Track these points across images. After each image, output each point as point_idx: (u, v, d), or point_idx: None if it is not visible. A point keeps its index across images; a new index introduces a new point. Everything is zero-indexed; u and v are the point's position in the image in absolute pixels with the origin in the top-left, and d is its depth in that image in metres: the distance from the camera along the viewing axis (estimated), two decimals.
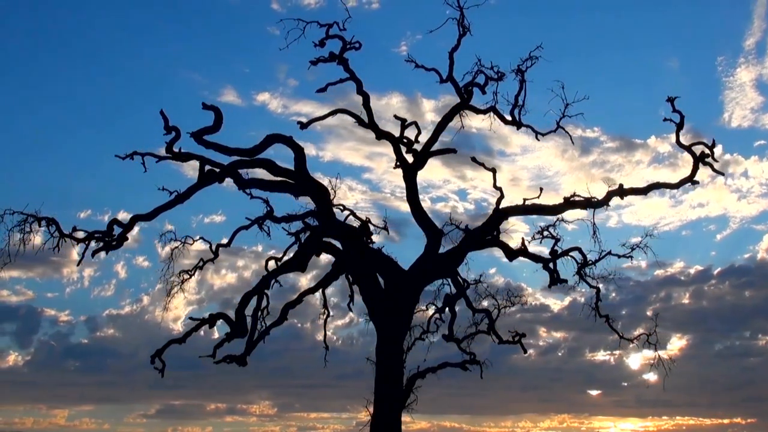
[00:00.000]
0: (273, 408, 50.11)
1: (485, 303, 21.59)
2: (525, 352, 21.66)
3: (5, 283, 51.70)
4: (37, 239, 17.90)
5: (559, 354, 44.34)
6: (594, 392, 44.65)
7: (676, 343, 46.28)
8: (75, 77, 55.90)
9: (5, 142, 56.73)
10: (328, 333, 22.70)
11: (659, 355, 21.03)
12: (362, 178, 47.65)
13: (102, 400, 52.46)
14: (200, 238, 20.78)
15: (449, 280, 21.28)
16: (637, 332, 21.32)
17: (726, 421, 46.32)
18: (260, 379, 45.49)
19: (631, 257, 20.79)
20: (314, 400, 49.00)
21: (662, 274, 46.95)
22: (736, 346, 49.12)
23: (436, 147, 20.60)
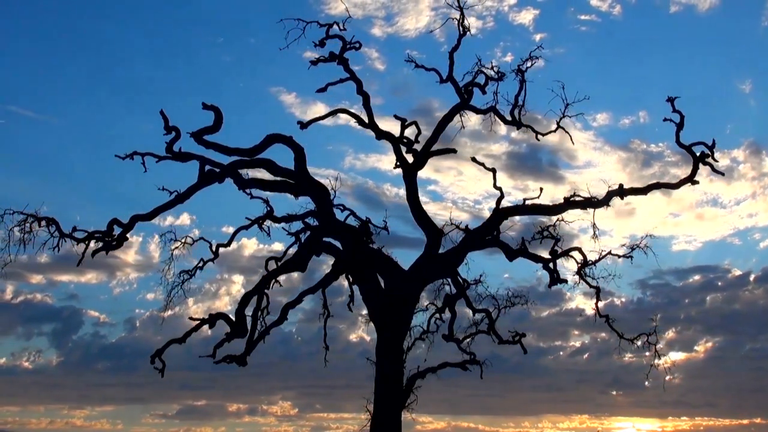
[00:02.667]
0: (294, 408, 50.16)
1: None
2: (525, 352, 21.63)
3: (54, 287, 51.79)
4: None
5: (585, 356, 44.75)
6: (616, 393, 45.01)
7: (704, 346, 47.07)
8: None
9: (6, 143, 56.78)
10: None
11: (659, 356, 20.98)
12: (427, 190, 48.31)
13: (126, 400, 52.97)
14: (200, 238, 20.84)
15: (449, 280, 21.29)
16: (640, 334, 21.24)
17: (745, 421, 46.50)
18: (288, 379, 46.45)
19: (631, 257, 20.79)
20: (337, 401, 49.10)
21: (699, 279, 48.21)
22: (764, 349, 49.44)
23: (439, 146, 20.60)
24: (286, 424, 49.58)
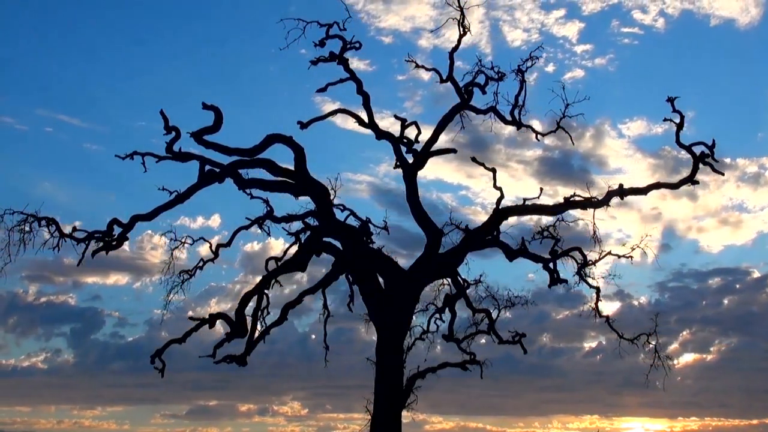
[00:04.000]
0: (304, 409, 49.96)
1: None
2: (525, 352, 21.64)
3: (78, 288, 51.77)
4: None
5: (598, 357, 44.98)
6: (627, 393, 45.03)
7: (718, 347, 47.25)
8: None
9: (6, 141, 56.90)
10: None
11: (659, 355, 20.94)
12: (458, 195, 49.00)
13: (138, 400, 52.72)
14: (200, 238, 20.85)
15: (449, 280, 21.29)
16: (640, 334, 21.23)
17: (755, 421, 46.50)
18: (301, 380, 46.40)
19: (631, 257, 20.78)
20: (349, 401, 49.01)
21: (719, 282, 48.99)
22: None
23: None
24: (295, 424, 49.50)
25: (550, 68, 45.07)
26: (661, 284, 47.39)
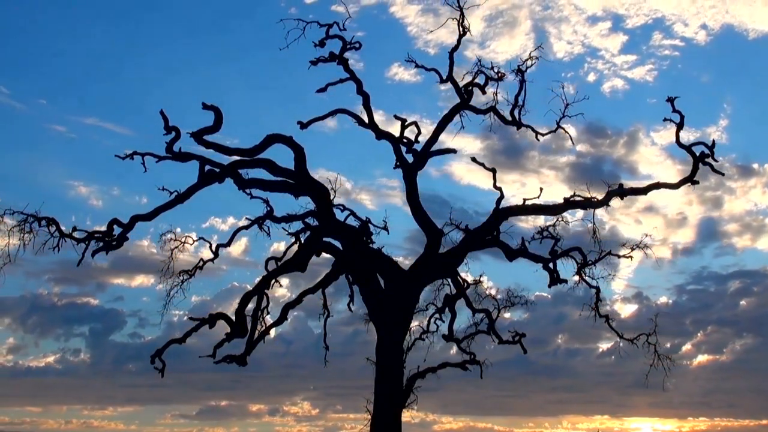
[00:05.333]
0: (315, 409, 49.73)
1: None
2: (525, 352, 21.66)
3: (102, 290, 51.52)
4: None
5: (612, 358, 45.00)
6: (638, 394, 45.10)
7: (732, 348, 47.50)
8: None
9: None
10: None
11: (659, 355, 20.96)
12: (490, 201, 48.59)
13: (151, 400, 52.50)
14: (200, 238, 20.85)
15: (449, 280, 21.30)
16: (640, 334, 21.26)
17: (765, 421, 46.50)
18: (313, 380, 46.43)
19: (631, 257, 20.82)
20: (360, 401, 48.98)
21: (737, 285, 49.36)
22: None
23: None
24: (304, 424, 49.33)
25: (591, 78, 48.51)
26: (679, 287, 48.12)
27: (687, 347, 45.53)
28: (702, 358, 45.74)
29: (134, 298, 56.04)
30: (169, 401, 53.13)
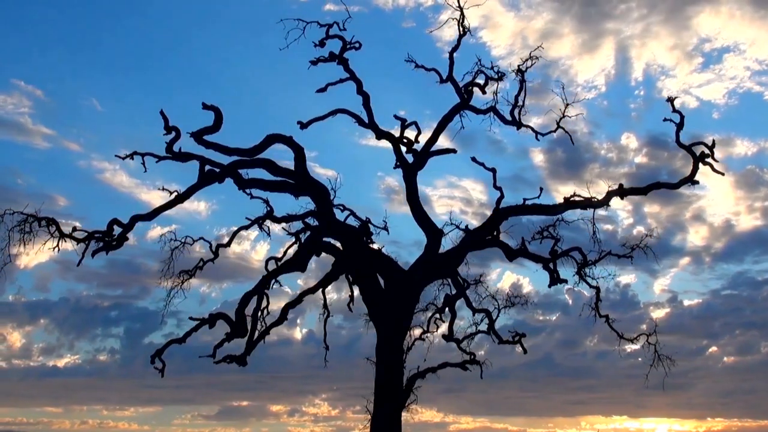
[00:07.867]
0: (335, 409, 49.62)
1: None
2: (525, 352, 21.65)
3: (148, 293, 51.55)
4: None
5: (639, 359, 45.04)
6: (658, 394, 45.00)
7: (758, 350, 47.85)
8: None
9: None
10: None
11: (659, 355, 20.96)
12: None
13: (173, 401, 53.03)
14: (200, 238, 20.82)
15: (449, 280, 21.28)
16: (639, 334, 21.26)
17: None
18: (337, 381, 46.09)
19: (631, 257, 20.80)
20: None
21: None
22: None
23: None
24: (321, 424, 49.19)
25: (663, 93, 47.48)
26: (714, 291, 49.52)
27: (713, 349, 45.87)
28: (727, 360, 45.90)
29: (179, 299, 55.55)
30: (192, 402, 53.35)
